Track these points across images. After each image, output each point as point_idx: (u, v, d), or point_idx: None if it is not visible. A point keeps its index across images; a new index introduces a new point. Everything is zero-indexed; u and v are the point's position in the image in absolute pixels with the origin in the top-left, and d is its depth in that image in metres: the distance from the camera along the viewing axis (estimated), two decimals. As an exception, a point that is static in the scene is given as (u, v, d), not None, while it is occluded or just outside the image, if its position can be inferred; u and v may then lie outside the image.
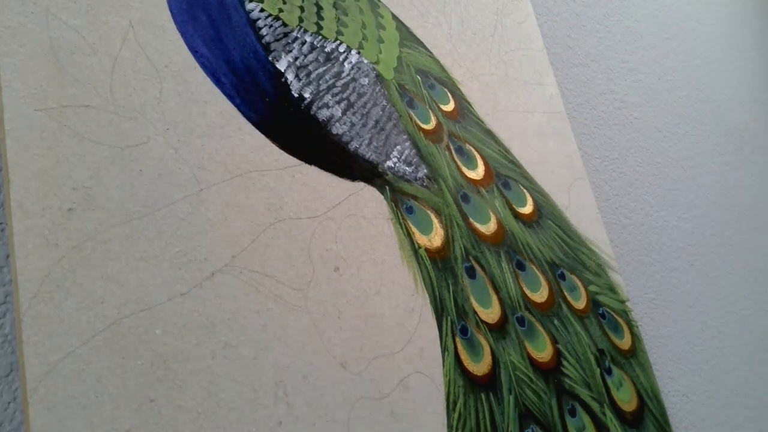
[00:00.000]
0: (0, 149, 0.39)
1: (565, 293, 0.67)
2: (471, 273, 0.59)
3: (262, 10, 0.53)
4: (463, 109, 0.67)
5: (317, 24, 0.57)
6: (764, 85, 1.43)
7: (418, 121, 0.62)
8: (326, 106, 0.55)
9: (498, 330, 0.58)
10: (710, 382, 0.88)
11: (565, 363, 0.62)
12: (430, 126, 0.63)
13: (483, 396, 0.54)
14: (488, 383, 0.55)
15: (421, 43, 0.67)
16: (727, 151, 1.19)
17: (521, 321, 0.61)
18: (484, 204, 0.64)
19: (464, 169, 0.64)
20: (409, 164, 0.59)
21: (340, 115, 0.55)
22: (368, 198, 0.55)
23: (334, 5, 0.59)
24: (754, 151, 1.28)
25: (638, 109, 1.03)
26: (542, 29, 0.89)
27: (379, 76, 0.60)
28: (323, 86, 0.55)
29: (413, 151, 0.60)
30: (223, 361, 0.42)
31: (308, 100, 0.54)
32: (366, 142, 0.56)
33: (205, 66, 0.48)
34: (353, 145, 0.55)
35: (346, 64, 0.58)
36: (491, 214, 0.64)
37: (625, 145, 0.96)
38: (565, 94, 0.89)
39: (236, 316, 0.43)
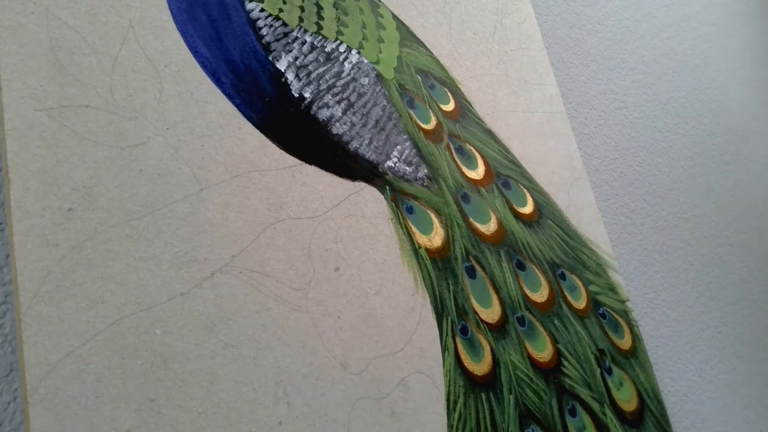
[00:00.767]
0: (0, 149, 0.39)
1: (566, 293, 0.67)
2: (471, 273, 0.59)
3: (262, 10, 0.53)
4: (463, 109, 0.67)
5: (317, 24, 0.57)
6: (764, 85, 1.43)
7: (419, 121, 0.62)
8: (326, 106, 0.55)
9: (498, 330, 0.58)
10: (710, 382, 0.88)
11: (565, 363, 0.62)
12: (430, 126, 0.63)
13: (483, 396, 0.54)
14: (488, 383, 0.55)
15: (421, 43, 0.67)
16: (727, 151, 1.19)
17: (521, 321, 0.61)
18: (484, 204, 0.64)
19: (464, 169, 0.64)
20: (409, 164, 0.59)
21: (340, 115, 0.55)
22: (368, 198, 0.55)
23: (335, 5, 0.59)
24: (754, 151, 1.28)
25: (638, 109, 1.03)
26: (542, 29, 0.89)
27: (379, 76, 0.60)
28: (323, 86, 0.55)
29: (413, 151, 0.60)
30: (223, 361, 0.42)
31: (308, 100, 0.54)
32: (366, 142, 0.56)
33: (205, 66, 0.48)
34: (353, 145, 0.55)
35: (346, 64, 0.58)
36: (491, 214, 0.64)
37: (625, 145, 0.96)
38: (565, 94, 0.89)
39: (236, 316, 0.43)
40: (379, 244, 0.53)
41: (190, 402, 0.39)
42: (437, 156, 0.62)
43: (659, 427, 0.70)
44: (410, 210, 0.57)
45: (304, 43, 0.55)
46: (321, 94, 0.55)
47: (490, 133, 0.69)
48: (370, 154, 0.56)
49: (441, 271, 0.57)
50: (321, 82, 0.55)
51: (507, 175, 0.68)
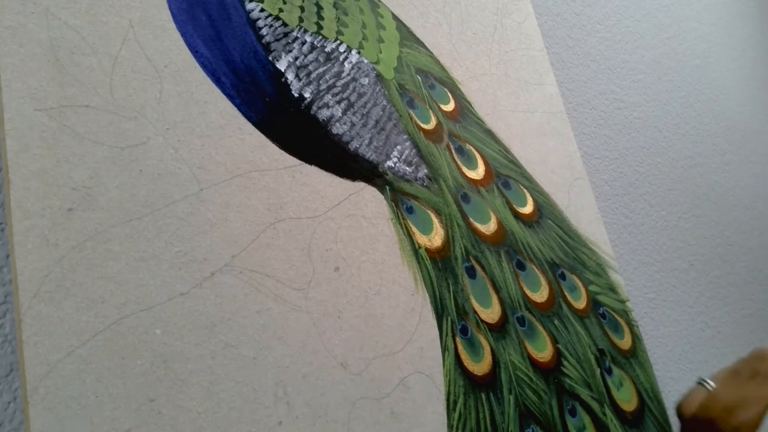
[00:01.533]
0: (0, 149, 0.39)
1: (566, 293, 0.67)
2: (471, 273, 0.59)
3: (262, 10, 0.53)
4: (463, 109, 0.67)
5: (317, 24, 0.57)
6: (764, 85, 1.43)
7: (418, 121, 0.62)
8: (326, 106, 0.55)
9: (498, 330, 0.58)
10: (710, 382, 0.88)
11: (565, 363, 0.62)
12: (430, 126, 0.63)
13: (483, 396, 0.54)
14: (488, 383, 0.55)
15: (421, 43, 0.67)
16: (727, 151, 1.19)
17: (521, 321, 0.61)
18: (484, 204, 0.64)
19: (464, 169, 0.64)
20: (409, 164, 0.59)
21: (340, 115, 0.55)
22: (368, 198, 0.54)
23: (335, 5, 0.59)
24: (754, 151, 1.28)
25: (638, 109, 1.03)
26: (542, 29, 0.89)
27: (379, 76, 0.60)
28: (323, 86, 0.55)
29: (413, 151, 0.60)
30: (223, 361, 0.42)
31: (308, 100, 0.54)
32: (366, 142, 0.56)
33: (205, 66, 0.48)
34: (353, 145, 0.55)
35: (346, 64, 0.58)
36: (491, 213, 0.64)
37: (625, 145, 0.96)
38: (565, 94, 0.89)
39: (236, 316, 0.43)
40: (379, 244, 0.53)
41: (190, 402, 0.39)
42: (437, 156, 0.62)
43: (659, 427, 0.70)
44: (410, 210, 0.57)
45: (304, 43, 0.55)
46: (321, 94, 0.55)
47: (490, 133, 0.69)
48: (370, 154, 0.56)
49: (441, 271, 0.57)
50: (321, 82, 0.55)
51: (507, 175, 0.68)
